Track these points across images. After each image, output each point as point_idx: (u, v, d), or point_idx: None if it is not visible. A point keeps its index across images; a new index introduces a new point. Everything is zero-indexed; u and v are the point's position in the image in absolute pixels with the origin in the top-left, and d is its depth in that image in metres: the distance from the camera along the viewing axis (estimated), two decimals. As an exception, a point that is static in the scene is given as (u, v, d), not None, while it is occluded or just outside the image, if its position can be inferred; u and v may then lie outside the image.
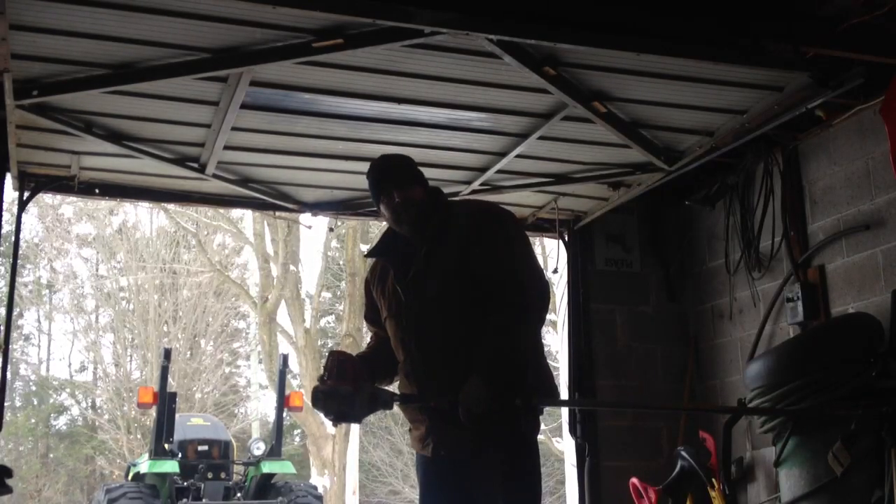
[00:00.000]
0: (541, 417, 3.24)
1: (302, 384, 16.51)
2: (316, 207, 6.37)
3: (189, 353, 21.48)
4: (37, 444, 23.87)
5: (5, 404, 5.36)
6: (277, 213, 7.79)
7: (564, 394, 6.61)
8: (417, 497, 3.23)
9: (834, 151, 5.49)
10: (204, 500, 9.84)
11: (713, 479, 5.41)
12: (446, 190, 3.57)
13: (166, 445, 10.14)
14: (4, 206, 5.39)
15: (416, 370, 3.08)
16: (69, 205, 21.19)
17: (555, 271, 6.86)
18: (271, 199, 6.14)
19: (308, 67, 4.43)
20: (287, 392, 11.27)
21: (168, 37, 4.14)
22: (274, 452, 10.43)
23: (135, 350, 21.83)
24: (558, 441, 15.72)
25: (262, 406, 21.47)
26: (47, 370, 24.77)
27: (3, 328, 5.45)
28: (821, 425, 4.52)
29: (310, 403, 3.76)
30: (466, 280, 3.01)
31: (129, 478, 10.61)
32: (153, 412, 11.03)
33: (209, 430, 10.87)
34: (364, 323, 3.62)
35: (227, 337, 22.98)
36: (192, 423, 10.97)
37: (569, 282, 6.73)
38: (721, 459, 5.26)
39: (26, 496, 21.46)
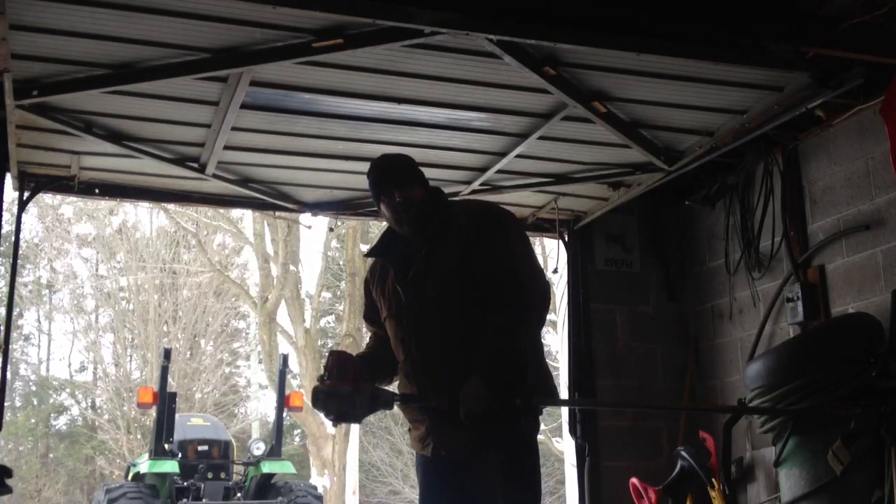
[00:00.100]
0: (540, 417, 3.24)
1: (302, 384, 16.51)
2: (316, 207, 6.37)
3: (189, 353, 21.48)
4: (37, 444, 23.87)
5: (5, 404, 5.36)
6: (277, 213, 7.79)
7: (564, 394, 6.61)
8: (417, 497, 3.23)
9: (834, 151, 5.49)
10: (204, 500, 9.84)
11: (713, 479, 5.41)
12: (446, 190, 3.56)
13: (166, 445, 10.14)
14: (4, 206, 5.39)
15: (417, 370, 3.08)
16: (69, 205, 21.22)
17: (555, 271, 6.87)
18: (271, 199, 6.14)
19: (308, 67, 4.43)
20: (287, 392, 11.27)
21: (168, 37, 4.14)
22: (274, 452, 10.43)
23: (135, 350, 21.83)
24: (558, 441, 15.72)
25: (262, 406, 21.50)
26: (47, 370, 24.79)
27: (3, 328, 5.45)
28: (821, 425, 4.52)
29: (310, 403, 3.76)
30: (466, 280, 3.01)
31: (129, 478, 10.61)
32: (153, 412, 11.03)
33: (209, 430, 10.87)
34: (364, 323, 3.61)
35: (227, 337, 22.98)
36: (192, 423, 10.97)
37: (569, 282, 6.73)
38: (721, 459, 5.25)
39: (26, 496, 21.46)
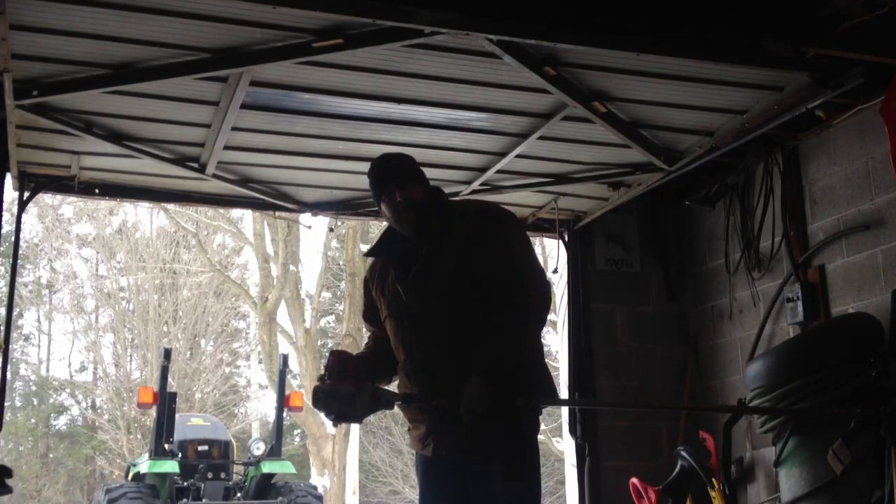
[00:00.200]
0: (540, 417, 3.24)
1: (302, 384, 16.51)
2: (316, 207, 6.37)
3: (189, 353, 21.48)
4: (37, 444, 23.87)
5: (5, 404, 5.36)
6: (277, 213, 7.80)
7: (564, 394, 6.61)
8: (417, 497, 3.23)
9: (834, 151, 5.49)
10: (204, 500, 9.84)
11: (713, 479, 5.42)
12: (446, 190, 3.56)
13: (166, 445, 10.13)
14: (4, 206, 5.39)
15: (417, 370, 3.09)
16: (69, 205, 21.25)
17: (555, 271, 6.87)
18: (271, 199, 6.14)
19: (308, 67, 4.42)
20: (287, 392, 11.27)
21: (168, 37, 4.14)
22: (274, 452, 10.43)
23: (135, 350, 21.82)
24: (558, 441, 15.72)
25: (262, 406, 21.50)
26: (47, 370, 24.79)
27: (3, 328, 5.44)
28: (821, 425, 4.52)
29: (310, 403, 3.76)
30: (467, 280, 3.01)
31: (129, 478, 10.61)
32: (153, 412, 11.03)
33: (209, 430, 10.87)
34: (363, 323, 3.62)
35: (227, 337, 22.98)
36: (192, 423, 10.96)
37: (569, 282, 6.73)
38: (721, 459, 5.26)
39: (26, 496, 21.46)
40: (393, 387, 3.23)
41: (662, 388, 6.60)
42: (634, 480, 5.62)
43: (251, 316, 21.24)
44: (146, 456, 10.40)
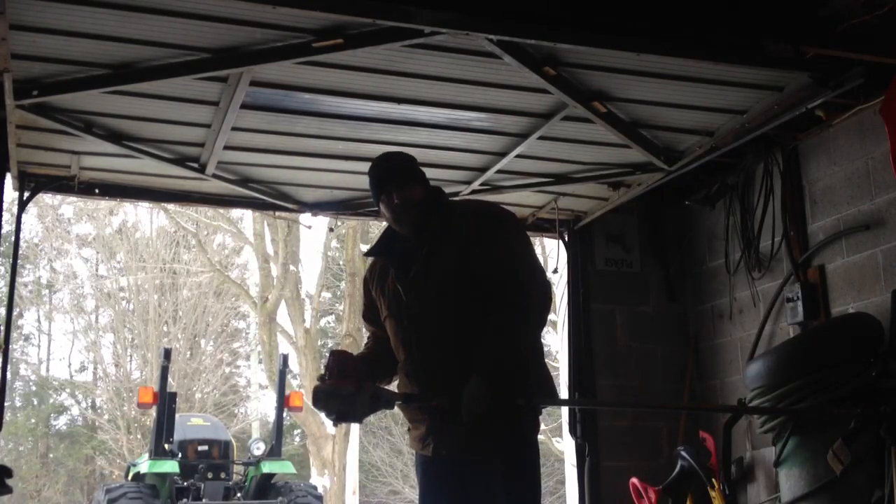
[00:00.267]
0: (540, 417, 3.24)
1: (302, 384, 16.51)
2: (316, 207, 6.37)
3: (189, 353, 21.48)
4: (37, 444, 23.87)
5: (5, 404, 5.36)
6: (277, 213, 7.80)
7: (564, 394, 6.61)
8: (417, 497, 3.23)
9: (834, 151, 5.49)
10: (204, 500, 9.84)
11: (713, 479, 5.42)
12: (446, 190, 3.56)
13: (166, 445, 10.13)
14: (4, 206, 5.39)
15: (417, 370, 3.08)
16: (69, 205, 21.25)
17: (555, 271, 6.87)
18: (271, 199, 6.14)
19: (308, 67, 4.42)
20: (287, 392, 11.27)
21: (168, 37, 4.14)
22: (274, 452, 10.43)
23: (135, 350, 21.82)
24: (558, 441, 15.72)
25: (262, 406, 21.50)
26: (47, 370, 24.79)
27: (3, 328, 5.45)
28: (821, 425, 4.52)
29: (310, 403, 3.76)
30: (467, 280, 3.01)
31: (129, 478, 10.61)
32: (153, 412, 11.03)
33: (209, 430, 10.87)
34: (363, 322, 3.62)
35: (227, 337, 22.98)
36: (192, 423, 10.96)
37: (569, 282, 6.73)
38: (721, 459, 5.26)
39: (26, 496, 21.46)
40: (393, 387, 3.23)
41: (662, 388, 6.60)
42: (634, 480, 5.62)
43: (251, 316, 21.25)
44: (146, 456, 10.40)
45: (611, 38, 4.12)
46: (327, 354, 3.13)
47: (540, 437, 3.23)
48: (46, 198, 18.14)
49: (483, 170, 5.82)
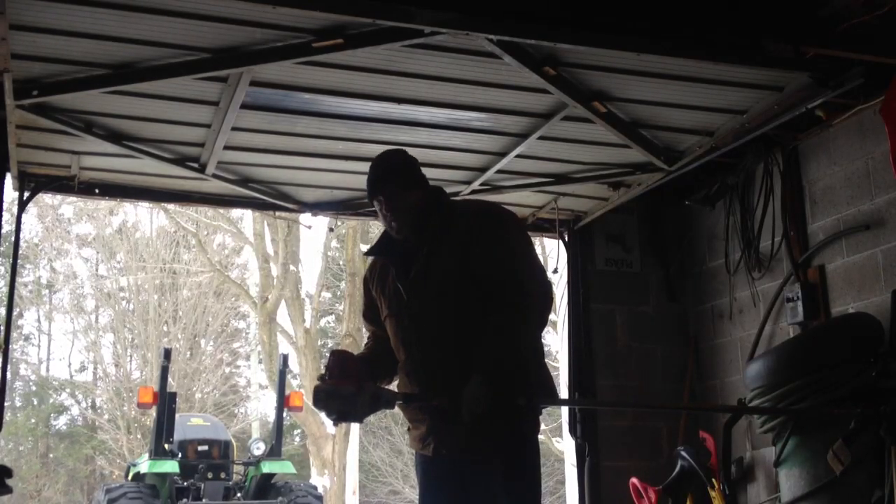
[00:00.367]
0: (540, 417, 3.24)
1: (302, 384, 16.51)
2: (316, 207, 6.37)
3: (189, 353, 21.47)
4: (37, 444, 23.86)
5: (5, 404, 5.36)
6: (277, 213, 7.79)
7: (564, 394, 6.61)
8: (417, 497, 3.23)
9: (834, 151, 5.49)
10: (204, 500, 9.84)
11: (713, 479, 5.42)
12: (446, 190, 3.56)
13: (166, 445, 10.13)
14: (4, 206, 5.39)
15: (417, 370, 3.09)
16: (69, 205, 21.23)
17: (555, 271, 6.87)
18: (271, 199, 6.14)
19: (308, 67, 4.42)
20: (287, 392, 11.26)
21: (168, 37, 4.14)
22: (274, 452, 10.43)
23: (135, 350, 21.82)
24: (558, 441, 15.72)
25: (262, 406, 21.49)
26: (47, 370, 24.78)
27: (3, 328, 5.45)
28: (821, 425, 4.53)
29: (311, 403, 3.76)
30: (467, 280, 3.01)
31: (129, 478, 10.60)
32: (153, 412, 11.02)
33: (209, 430, 10.86)
34: (363, 322, 3.63)
35: (227, 337, 22.97)
36: (192, 423, 10.96)
37: (569, 282, 6.73)
38: (721, 459, 5.26)
39: (26, 496, 21.45)
40: (393, 386, 3.23)
41: (662, 388, 6.60)
42: (634, 480, 5.62)
43: (251, 316, 21.25)
44: (146, 456, 10.39)
45: (611, 38, 4.12)
46: (327, 354, 3.13)
47: (540, 437, 3.23)
48: (46, 198, 18.14)
49: (483, 170, 5.82)
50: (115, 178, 5.86)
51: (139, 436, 19.74)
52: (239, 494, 10.23)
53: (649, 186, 5.96)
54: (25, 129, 5.01)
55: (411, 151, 3.37)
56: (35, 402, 24.29)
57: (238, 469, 10.66)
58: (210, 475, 10.12)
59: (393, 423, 19.97)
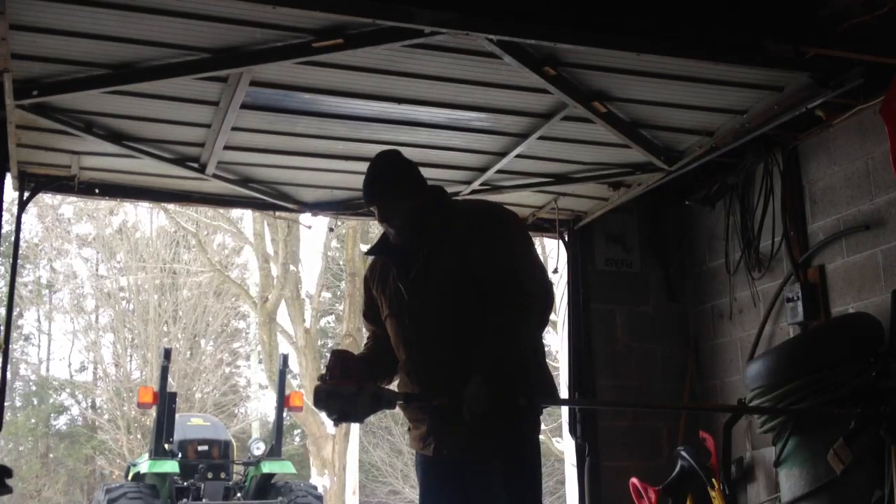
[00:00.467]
0: (540, 417, 3.24)
1: (302, 384, 16.51)
2: (316, 207, 6.37)
3: (189, 353, 21.47)
4: (37, 444, 23.86)
5: (5, 404, 5.36)
6: (277, 213, 7.79)
7: (564, 394, 6.61)
8: (417, 497, 3.23)
9: (834, 151, 5.49)
10: (204, 500, 9.84)
11: (713, 479, 5.42)
12: (447, 190, 3.56)
13: (166, 445, 10.13)
14: (4, 206, 5.39)
15: (418, 369, 3.08)
16: (69, 205, 21.24)
17: (555, 271, 6.86)
18: (271, 199, 6.14)
19: (308, 67, 4.42)
20: (287, 392, 11.26)
21: (168, 37, 4.14)
22: (274, 452, 10.43)
23: (135, 350, 21.82)
24: (558, 441, 15.72)
25: (262, 406, 21.49)
26: (47, 370, 24.78)
27: (3, 328, 5.45)
28: (821, 425, 4.53)
29: (311, 403, 3.76)
30: (467, 280, 3.01)
31: (129, 478, 10.60)
32: (153, 412, 11.02)
33: (209, 430, 10.86)
34: (363, 321, 3.63)
35: (227, 337, 22.97)
36: (192, 423, 10.96)
37: (569, 282, 6.73)
38: (721, 459, 5.26)
39: (26, 496, 21.45)
40: (393, 386, 3.23)
41: (662, 388, 6.60)
42: (634, 480, 5.62)
43: (251, 316, 21.25)
44: (146, 456, 10.40)
45: (611, 38, 4.12)
46: (327, 354, 3.13)
47: (540, 436, 3.23)
48: (46, 198, 18.15)
49: (483, 170, 5.83)
50: (115, 178, 5.86)
51: (139, 436, 19.75)
52: (239, 494, 10.23)
53: (649, 186, 5.96)
54: (25, 129, 5.01)
55: (411, 151, 3.37)
56: (35, 402, 24.30)
57: (238, 469, 10.66)
58: (210, 475, 10.12)
59: (393, 423, 19.97)
